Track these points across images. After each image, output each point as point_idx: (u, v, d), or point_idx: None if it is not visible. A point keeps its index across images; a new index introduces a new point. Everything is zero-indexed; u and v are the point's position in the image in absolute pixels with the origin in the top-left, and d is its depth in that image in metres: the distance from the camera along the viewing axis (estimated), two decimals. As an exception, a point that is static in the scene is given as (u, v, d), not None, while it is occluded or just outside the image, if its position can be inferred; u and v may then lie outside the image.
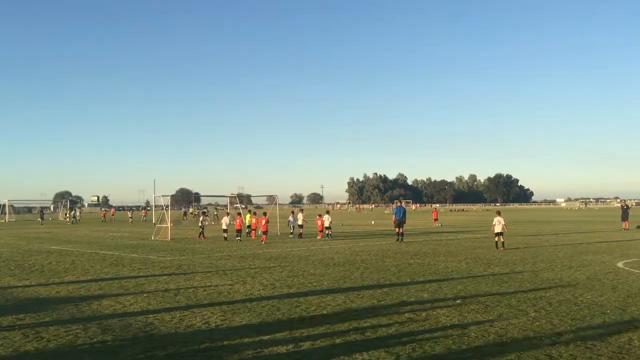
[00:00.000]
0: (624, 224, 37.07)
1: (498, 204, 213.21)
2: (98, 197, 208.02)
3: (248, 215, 32.40)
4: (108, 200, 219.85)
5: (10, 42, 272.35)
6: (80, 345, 7.84)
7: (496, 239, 22.35)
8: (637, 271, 15.20)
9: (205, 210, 39.01)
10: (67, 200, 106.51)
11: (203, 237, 30.62)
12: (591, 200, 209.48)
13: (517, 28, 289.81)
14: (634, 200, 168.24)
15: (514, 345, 7.53)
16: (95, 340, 8.13)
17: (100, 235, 36.83)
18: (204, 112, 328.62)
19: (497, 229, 22.30)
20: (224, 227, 30.09)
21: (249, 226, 31.85)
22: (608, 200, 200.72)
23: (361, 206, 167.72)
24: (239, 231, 29.01)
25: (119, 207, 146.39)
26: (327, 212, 31.09)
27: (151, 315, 9.81)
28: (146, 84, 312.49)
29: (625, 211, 38.13)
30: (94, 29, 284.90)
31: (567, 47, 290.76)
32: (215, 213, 56.29)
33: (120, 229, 45.19)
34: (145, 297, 11.74)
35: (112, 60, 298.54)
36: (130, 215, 69.36)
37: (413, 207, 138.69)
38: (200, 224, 31.86)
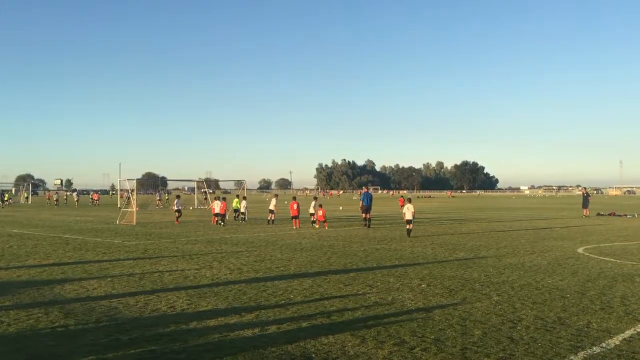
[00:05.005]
0: (584, 211, 38.04)
1: (464, 191, 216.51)
2: (61, 180, 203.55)
3: (236, 200, 32.81)
4: (72, 183, 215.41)
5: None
6: (41, 330, 7.68)
7: (408, 226, 21.83)
8: (596, 257, 15.62)
9: (179, 194, 38.77)
10: (29, 183, 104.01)
11: (178, 220, 30.48)
12: (554, 187, 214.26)
13: (484, 16, 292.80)
14: (594, 188, 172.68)
15: (476, 328, 7.67)
16: (57, 324, 7.98)
17: (63, 219, 36.08)
18: (170, 96, 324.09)
19: (408, 216, 21.81)
20: (216, 210, 29.66)
21: (237, 210, 32.46)
22: (570, 188, 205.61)
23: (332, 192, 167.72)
24: (222, 215, 28.90)
25: (82, 190, 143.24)
26: (315, 199, 30.60)
27: (115, 300, 9.67)
28: (113, 67, 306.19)
29: (585, 199, 39.13)
30: (62, 10, 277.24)
31: (533, 38, 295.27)
32: (205, 197, 55.80)
33: (84, 213, 44.37)
34: (109, 282, 11.57)
35: (77, 42, 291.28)
36: (76, 199, 66.98)
37: (391, 193, 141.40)
38: (176, 208, 31.46)
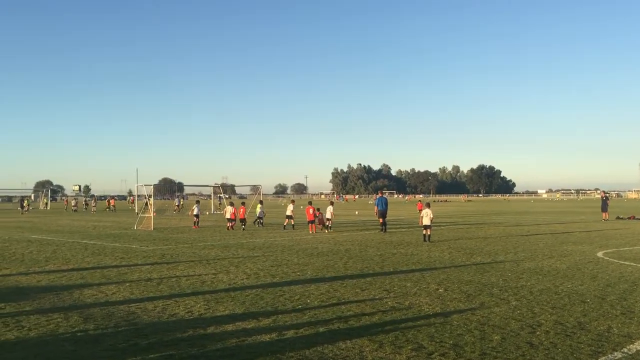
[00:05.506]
0: (603, 214, 37.56)
1: (481, 195, 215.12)
2: (80, 187, 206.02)
3: (258, 206, 33.15)
4: (90, 189, 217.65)
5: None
6: (61, 334, 7.76)
7: (424, 231, 21.67)
8: (616, 261, 15.42)
9: (198, 199, 39.33)
10: (48, 189, 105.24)
11: (197, 225, 30.68)
12: (572, 191, 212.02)
13: (499, 20, 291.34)
14: (614, 191, 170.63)
15: (495, 333, 7.61)
16: (76, 329, 8.06)
17: (81, 224, 36.47)
18: (187, 101, 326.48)
19: (425, 221, 21.55)
20: (227, 216, 29.77)
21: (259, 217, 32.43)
22: (589, 192, 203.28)
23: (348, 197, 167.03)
24: (242, 220, 28.96)
25: (100, 196, 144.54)
26: (331, 203, 30.67)
27: (134, 305, 9.75)
28: (128, 74, 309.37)
29: (604, 202, 38.62)
30: (77, 19, 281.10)
31: (549, 40, 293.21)
32: (219, 202, 56.04)
33: (102, 219, 44.78)
34: (127, 286, 11.66)
35: (93, 50, 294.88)
36: (93, 205, 66.96)
37: (406, 198, 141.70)
38: (195, 213, 31.70)
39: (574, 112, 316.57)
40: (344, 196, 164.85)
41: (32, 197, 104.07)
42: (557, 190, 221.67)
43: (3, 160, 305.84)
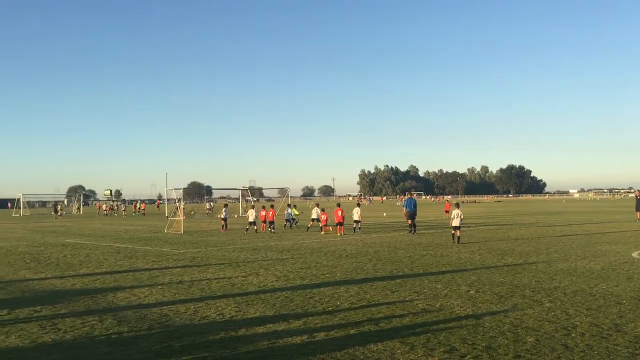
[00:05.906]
0: (638, 214, 36.70)
1: (510, 196, 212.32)
2: (111, 191, 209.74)
3: (293, 209, 33.58)
4: (121, 194, 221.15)
5: (17, 37, 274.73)
6: (96, 337, 7.91)
7: (453, 232, 21.48)
8: (652, 261, 15.06)
9: (226, 203, 39.87)
10: (80, 194, 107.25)
11: (225, 228, 30.97)
12: (605, 190, 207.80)
13: (526, 17, 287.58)
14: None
15: (529, 335, 7.50)
16: (111, 331, 8.21)
17: (113, 228, 37.08)
18: (214, 105, 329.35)
19: (455, 222, 21.31)
20: (250, 219, 29.98)
21: (292, 219, 32.62)
22: (622, 191, 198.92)
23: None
24: (271, 223, 29.19)
25: (130, 200, 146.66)
26: (358, 205, 30.67)
27: (166, 307, 9.87)
28: (155, 79, 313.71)
29: (639, 202, 37.71)
30: (100, 22, 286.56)
31: (579, 37, 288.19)
32: (245, 205, 56.64)
33: (133, 222, 45.46)
34: (159, 289, 11.82)
35: (120, 54, 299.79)
36: (105, 209, 68.52)
37: (434, 199, 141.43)
38: (223, 216, 31.97)
39: (604, 110, 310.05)
40: (371, 198, 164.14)
41: (65, 202, 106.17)
42: (589, 190, 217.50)
43: (37, 166, 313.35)
